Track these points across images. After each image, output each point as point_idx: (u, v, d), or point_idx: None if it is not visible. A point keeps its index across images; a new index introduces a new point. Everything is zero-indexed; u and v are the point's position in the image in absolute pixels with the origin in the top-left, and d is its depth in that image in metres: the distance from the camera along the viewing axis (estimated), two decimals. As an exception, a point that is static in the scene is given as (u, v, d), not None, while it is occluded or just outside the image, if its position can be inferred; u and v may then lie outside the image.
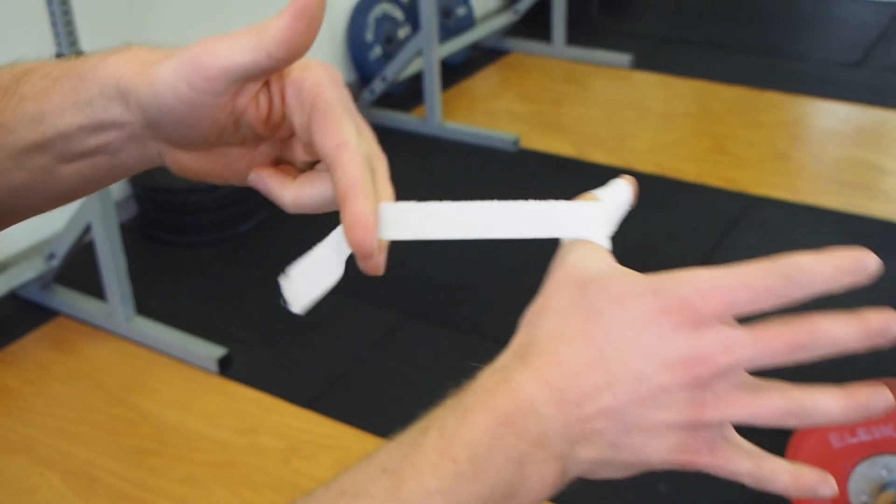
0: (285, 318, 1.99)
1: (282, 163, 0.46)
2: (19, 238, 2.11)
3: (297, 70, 0.42)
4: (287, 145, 0.45)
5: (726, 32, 3.51)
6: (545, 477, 0.39)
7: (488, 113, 2.91)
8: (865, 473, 1.36)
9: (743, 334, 0.37)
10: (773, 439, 1.64)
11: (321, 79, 0.41)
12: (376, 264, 0.40)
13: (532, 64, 3.24)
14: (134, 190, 2.30)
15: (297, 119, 0.42)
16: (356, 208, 0.39)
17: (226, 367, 1.82)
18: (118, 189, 2.30)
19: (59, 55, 1.71)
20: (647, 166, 2.56)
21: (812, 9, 3.78)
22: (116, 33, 2.23)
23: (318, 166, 0.45)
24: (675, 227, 2.28)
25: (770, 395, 0.39)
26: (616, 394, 0.38)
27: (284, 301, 0.41)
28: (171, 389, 1.79)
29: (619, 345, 0.38)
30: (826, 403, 0.39)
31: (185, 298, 2.05)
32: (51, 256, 1.95)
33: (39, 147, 0.43)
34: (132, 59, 0.42)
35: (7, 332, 1.93)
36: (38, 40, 1.91)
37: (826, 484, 0.39)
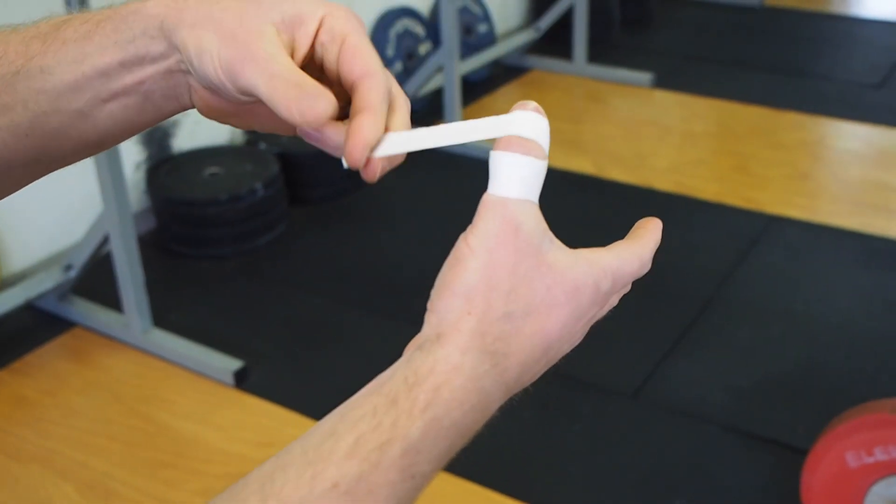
0: (303, 332, 1.99)
1: None
2: (37, 249, 2.13)
3: (326, 11, 0.44)
4: None
5: (748, 52, 3.50)
6: None
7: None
8: (882, 493, 1.35)
9: (613, 300, 0.46)
10: (788, 459, 1.61)
11: (350, 17, 0.44)
12: (369, 172, 0.43)
13: (553, 81, 3.25)
14: (153, 202, 2.31)
15: (329, 55, 0.44)
16: (360, 121, 0.41)
17: (242, 380, 1.82)
18: (137, 201, 2.31)
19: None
20: (668, 185, 2.55)
21: (834, 30, 3.76)
22: None
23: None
24: (695, 246, 2.26)
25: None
26: (550, 361, 0.44)
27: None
28: (187, 402, 1.79)
29: (564, 337, 0.43)
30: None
31: (203, 311, 2.06)
32: (68, 267, 1.96)
33: (78, 87, 0.44)
34: (172, 2, 0.44)
35: (24, 343, 1.94)
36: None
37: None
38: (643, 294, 2.08)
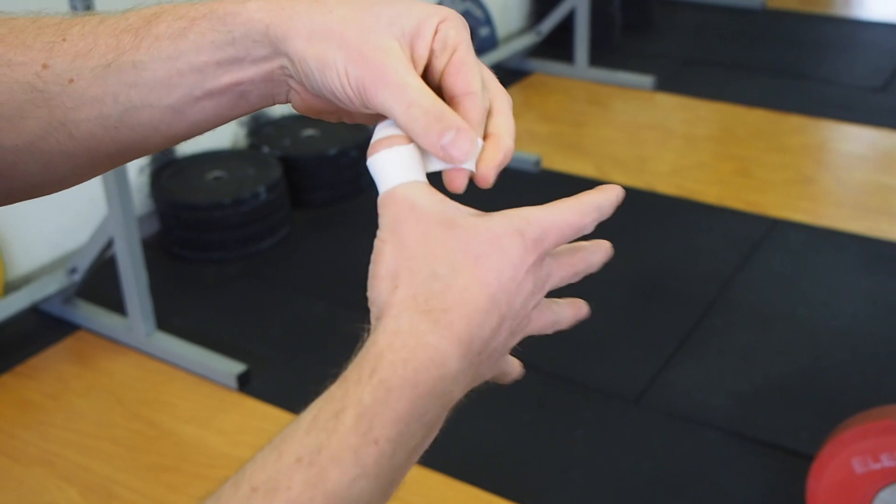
0: (305, 335, 1.99)
1: None
2: (42, 252, 2.13)
3: (441, 19, 0.44)
4: None
5: (750, 55, 3.50)
6: (442, 421, 0.42)
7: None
8: (888, 500, 1.34)
9: (556, 264, 0.45)
10: (793, 465, 1.61)
11: (461, 29, 0.45)
12: (458, 187, 0.45)
13: (554, 85, 3.25)
14: (157, 206, 2.32)
15: (437, 63, 0.44)
16: (488, 150, 0.44)
17: (245, 384, 1.82)
18: (140, 205, 2.32)
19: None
20: (669, 188, 2.55)
21: (837, 33, 3.76)
22: None
23: None
24: (697, 250, 2.26)
25: (549, 309, 0.46)
26: (501, 332, 0.42)
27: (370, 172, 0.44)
28: (190, 405, 1.79)
29: (506, 286, 0.42)
30: (565, 311, 0.47)
31: (206, 314, 2.06)
32: (73, 271, 1.97)
33: (172, 84, 0.44)
34: (276, 8, 0.44)
35: (28, 346, 1.95)
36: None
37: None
38: (645, 298, 2.09)
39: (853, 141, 2.90)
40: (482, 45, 3.24)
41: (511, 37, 3.47)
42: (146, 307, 1.88)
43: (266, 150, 2.45)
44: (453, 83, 0.44)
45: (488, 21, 3.30)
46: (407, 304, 0.41)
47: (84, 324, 1.99)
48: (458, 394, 0.42)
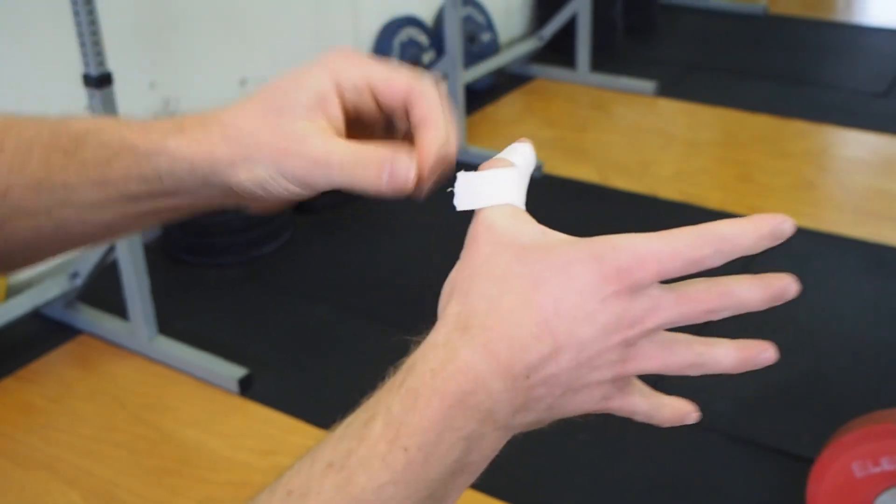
0: (307, 340, 1.99)
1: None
2: (46, 256, 2.13)
3: (331, 71, 0.45)
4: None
5: (752, 60, 3.50)
6: (489, 448, 0.41)
7: (512, 138, 2.84)
8: (888, 503, 1.34)
9: (669, 298, 0.40)
10: (793, 468, 1.60)
11: (355, 61, 0.46)
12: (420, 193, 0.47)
13: (556, 90, 3.25)
14: (159, 210, 2.32)
15: (363, 103, 0.46)
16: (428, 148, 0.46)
17: (247, 388, 1.82)
18: (144, 209, 2.32)
19: (86, 76, 1.73)
20: (672, 193, 2.55)
21: (839, 38, 3.77)
22: (146, 55, 2.26)
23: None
24: (699, 255, 2.26)
25: (678, 349, 0.41)
26: (559, 362, 0.39)
27: (453, 193, 0.45)
28: (191, 409, 1.79)
29: (566, 314, 0.39)
30: (723, 355, 0.42)
31: (208, 319, 2.06)
32: (75, 275, 1.97)
33: (104, 206, 0.47)
34: (194, 143, 0.45)
35: (30, 350, 1.95)
36: (67, 58, 1.95)
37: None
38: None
39: (855, 146, 2.90)
40: (484, 50, 3.24)
41: (513, 42, 3.47)
42: (148, 311, 1.88)
43: (268, 154, 2.45)
44: (390, 97, 0.46)
45: (490, 26, 3.31)
46: (450, 319, 0.41)
47: (86, 328, 2.00)
48: (503, 416, 0.40)
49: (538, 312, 0.39)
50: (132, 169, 0.46)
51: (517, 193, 0.44)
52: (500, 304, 0.40)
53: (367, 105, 0.46)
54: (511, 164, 0.44)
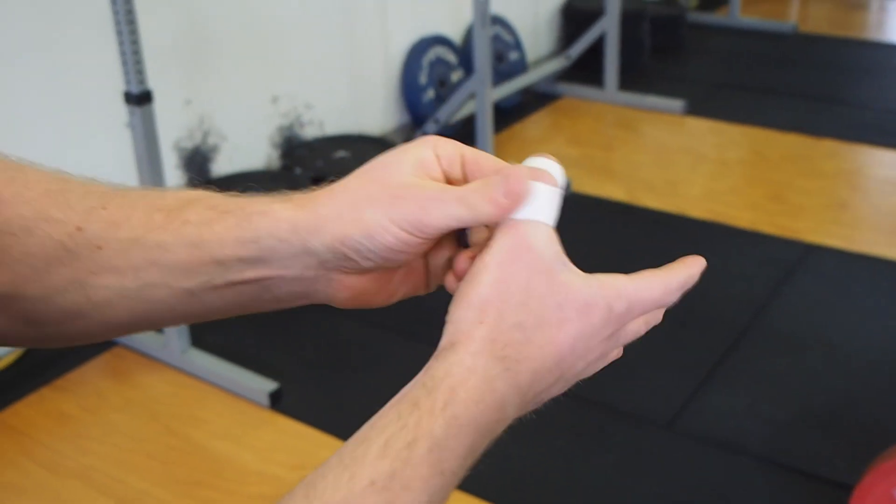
0: (337, 354, 2.00)
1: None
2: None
3: (431, 144, 0.47)
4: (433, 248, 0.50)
5: (781, 79, 3.49)
6: None
7: (540, 156, 2.92)
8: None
9: (637, 327, 0.48)
10: (828, 493, 1.57)
11: (450, 142, 0.47)
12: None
13: (584, 109, 3.26)
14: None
15: (454, 173, 0.47)
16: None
17: (277, 402, 1.83)
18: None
19: (127, 93, 1.76)
20: (701, 212, 2.54)
21: (869, 57, 3.75)
22: (183, 73, 2.30)
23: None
24: (730, 275, 2.25)
25: (633, 326, 0.49)
26: (557, 385, 0.46)
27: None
28: (223, 422, 1.81)
29: (576, 352, 0.45)
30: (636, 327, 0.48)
31: (240, 332, 2.08)
32: (111, 287, 2.00)
33: (192, 270, 0.46)
34: (299, 206, 0.45)
35: (66, 360, 1.98)
36: (108, 77, 1.98)
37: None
38: (678, 323, 2.08)
39: (889, 166, 2.88)
40: (511, 69, 3.26)
41: (540, 61, 3.49)
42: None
43: (298, 171, 2.48)
44: (479, 172, 0.47)
45: (518, 45, 3.33)
46: (486, 346, 0.43)
47: (121, 340, 2.02)
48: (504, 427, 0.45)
49: (558, 351, 0.44)
50: (231, 230, 0.45)
51: (552, 212, 0.45)
52: (533, 338, 0.43)
53: (457, 178, 0.47)
54: (555, 180, 0.45)
